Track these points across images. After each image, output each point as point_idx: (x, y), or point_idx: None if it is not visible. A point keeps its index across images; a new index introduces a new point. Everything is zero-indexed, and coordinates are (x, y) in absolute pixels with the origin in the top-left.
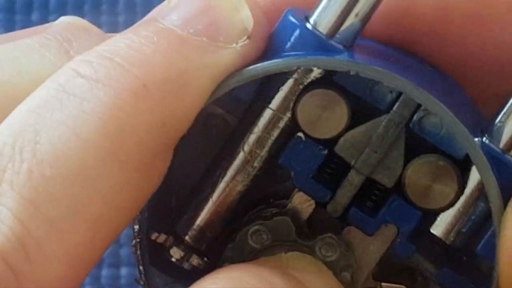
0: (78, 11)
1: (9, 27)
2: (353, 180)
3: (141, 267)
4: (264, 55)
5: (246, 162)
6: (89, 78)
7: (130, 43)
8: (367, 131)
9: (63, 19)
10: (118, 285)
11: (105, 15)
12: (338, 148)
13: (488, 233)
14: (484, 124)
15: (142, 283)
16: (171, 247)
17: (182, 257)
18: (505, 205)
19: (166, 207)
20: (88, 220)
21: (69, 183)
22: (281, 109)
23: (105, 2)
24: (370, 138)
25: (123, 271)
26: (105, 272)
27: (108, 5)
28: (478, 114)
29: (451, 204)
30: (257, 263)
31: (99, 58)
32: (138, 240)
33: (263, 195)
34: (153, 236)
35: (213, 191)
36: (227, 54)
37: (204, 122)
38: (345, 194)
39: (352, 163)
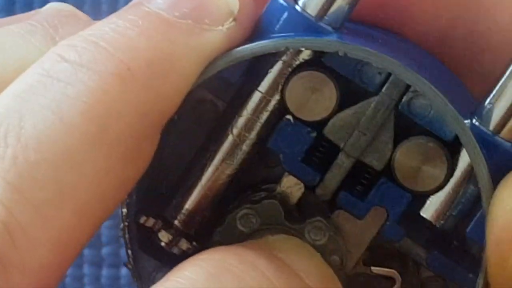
0: None
1: None
2: (342, 163)
3: (129, 251)
4: (252, 37)
5: (235, 145)
6: (73, 63)
7: (115, 27)
8: (356, 113)
9: (50, 5)
10: (118, 285)
11: (105, 15)
12: (327, 131)
13: (478, 215)
14: (473, 106)
15: (130, 267)
16: (159, 231)
17: (170, 241)
18: (494, 187)
19: (156, 191)
20: (73, 205)
21: (54, 168)
22: (270, 92)
23: (105, 2)
24: (359, 120)
25: (123, 271)
26: (105, 272)
27: (108, 5)
28: (468, 96)
29: (441, 187)
30: (242, 245)
31: (84, 42)
32: (126, 223)
33: (253, 181)
34: (142, 220)
35: (202, 174)
36: (213, 37)
37: (194, 107)
38: (334, 177)
39: (341, 145)
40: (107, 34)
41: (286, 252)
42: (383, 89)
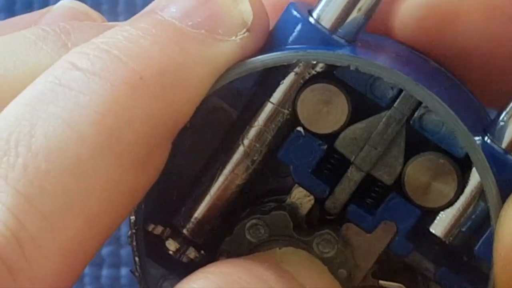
0: None
1: None
2: (353, 176)
3: (136, 258)
4: (266, 48)
5: (245, 155)
6: (85, 71)
7: (128, 35)
8: (367, 127)
9: (63, 3)
10: (118, 285)
11: (105, 15)
12: (338, 144)
13: (486, 233)
14: (487, 123)
15: (137, 274)
16: (167, 239)
17: (177, 249)
18: None
19: (165, 199)
20: (83, 214)
21: (64, 178)
22: (282, 103)
23: (105, 2)
24: (370, 134)
25: (123, 271)
26: (105, 272)
27: (108, 5)
28: (483, 113)
29: (451, 203)
30: (250, 258)
31: (96, 50)
32: (134, 231)
33: (263, 192)
34: (150, 228)
35: (211, 184)
36: (226, 47)
37: (207, 115)
38: (344, 190)
39: (352, 159)
40: (120, 42)
41: (294, 265)
42: (395, 104)
